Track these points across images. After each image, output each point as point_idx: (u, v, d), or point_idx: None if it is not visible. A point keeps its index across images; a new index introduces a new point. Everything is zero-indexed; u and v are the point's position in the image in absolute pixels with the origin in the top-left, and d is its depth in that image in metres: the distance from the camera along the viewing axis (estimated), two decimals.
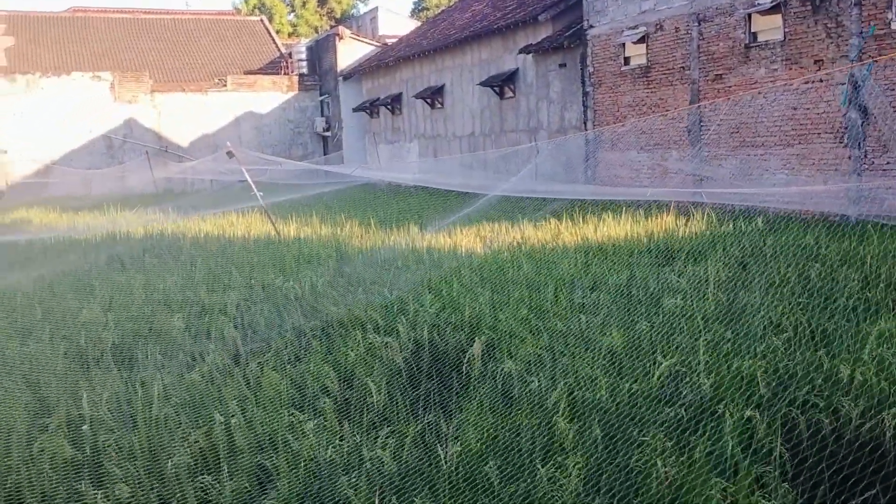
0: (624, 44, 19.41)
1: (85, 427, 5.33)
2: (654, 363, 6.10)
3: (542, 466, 4.53)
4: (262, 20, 45.14)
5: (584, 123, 21.28)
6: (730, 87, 16.37)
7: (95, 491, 4.47)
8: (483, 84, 25.86)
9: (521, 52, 23.61)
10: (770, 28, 15.41)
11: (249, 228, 16.41)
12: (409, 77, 32.26)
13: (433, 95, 29.79)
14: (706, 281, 8.86)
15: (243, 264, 11.60)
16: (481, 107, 27.02)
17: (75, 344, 7.56)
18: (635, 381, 5.81)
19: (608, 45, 20.03)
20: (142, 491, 4.45)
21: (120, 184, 31.20)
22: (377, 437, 5.18)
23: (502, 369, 6.26)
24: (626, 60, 19.55)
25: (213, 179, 32.30)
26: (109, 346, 7.46)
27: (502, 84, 25.15)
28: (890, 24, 12.91)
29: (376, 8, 50.49)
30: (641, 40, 18.79)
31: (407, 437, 4.99)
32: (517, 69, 24.51)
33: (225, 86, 36.52)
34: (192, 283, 10.27)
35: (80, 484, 4.56)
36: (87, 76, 34.29)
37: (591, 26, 20.53)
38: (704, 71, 17.05)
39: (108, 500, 4.34)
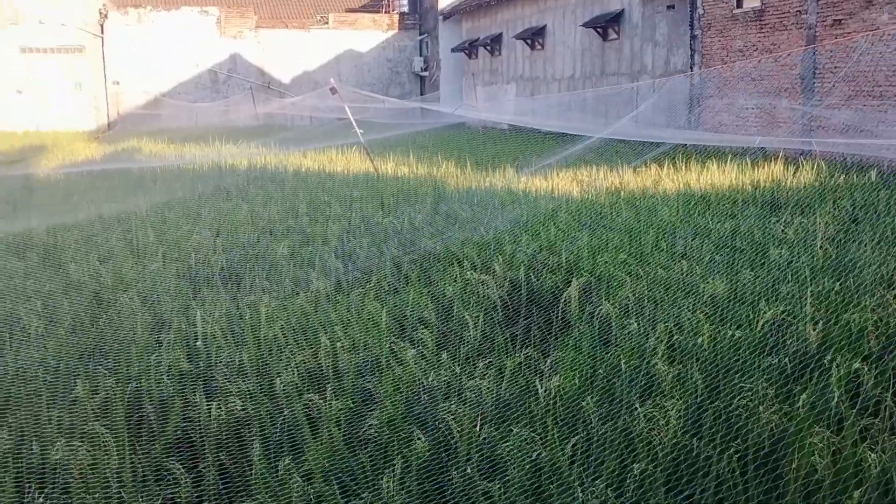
0: None
1: (199, 343, 5.61)
2: (758, 312, 5.97)
3: (641, 407, 4.54)
4: None
5: (691, 68, 20.56)
6: (849, 33, 15.48)
7: (209, 403, 4.72)
8: (586, 25, 25.24)
9: None
10: None
11: (349, 165, 16.66)
12: (509, 17, 31.74)
13: (534, 36, 29.27)
14: (814, 233, 8.55)
15: (344, 198, 11.83)
16: (583, 49, 26.42)
17: (186, 265, 7.90)
18: (738, 328, 5.71)
19: None
20: (253, 405, 4.68)
21: (224, 117, 32.07)
22: (475, 369, 5.28)
23: (600, 311, 6.24)
24: (739, 2, 18.70)
25: (312, 116, 32.86)
26: (218, 269, 7.78)
27: (606, 25, 24.49)
28: None
29: None
30: None
31: (504, 369, 5.07)
32: (622, 10, 23.79)
33: (327, 23, 36.78)
34: (295, 214, 10.55)
35: (195, 395, 4.82)
36: (195, 10, 35.10)
37: None
38: (822, 15, 16.15)
39: (222, 412, 4.58)
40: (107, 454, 4.07)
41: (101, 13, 33.89)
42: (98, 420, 4.46)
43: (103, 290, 6.99)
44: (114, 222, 9.83)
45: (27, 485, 3.86)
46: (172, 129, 27.93)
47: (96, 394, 4.80)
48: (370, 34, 37.73)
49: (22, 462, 4.00)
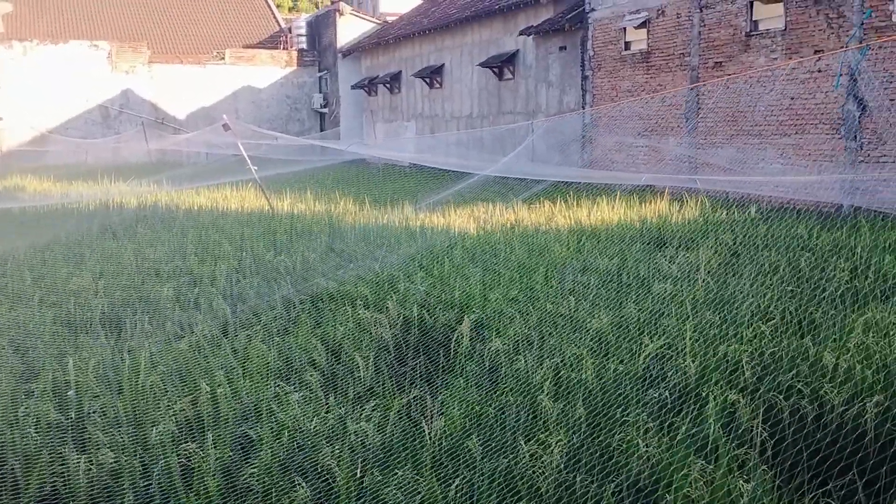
0: (625, 28, 19.34)
1: (71, 392, 5.34)
2: (641, 345, 6.13)
3: (525, 443, 4.56)
4: None
5: (583, 107, 21.22)
6: (729, 74, 16.33)
7: (79, 456, 4.48)
8: (483, 65, 25.75)
9: (521, 33, 23.51)
10: (771, 17, 15.36)
11: (243, 202, 16.38)
12: (408, 56, 32.11)
13: (432, 75, 29.66)
14: (697, 267, 8.89)
15: (235, 237, 11.59)
16: (480, 88, 26.93)
17: (64, 310, 7.55)
18: (621, 362, 5.84)
19: (609, 29, 19.95)
20: (126, 457, 4.47)
21: (115, 154, 31.05)
22: (362, 411, 5.20)
23: (490, 348, 6.28)
24: (627, 45, 19.48)
25: (208, 153, 32.16)
26: (98, 313, 7.46)
27: (502, 65, 25.05)
28: (891, 15, 12.87)
29: None
30: (643, 25, 18.72)
31: (391, 410, 5.02)
32: (517, 51, 24.41)
33: (223, 59, 36.31)
34: (184, 254, 10.26)
35: (64, 448, 4.57)
36: (84, 45, 34.06)
37: (593, 9, 20.44)
38: (704, 58, 17.00)
39: (92, 465, 4.35)
40: None
41: None
42: None
43: None
44: None
45: None
46: (60, 166, 26.86)
47: None
48: (268, 70, 37.42)
49: None
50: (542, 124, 21.31)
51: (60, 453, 4.54)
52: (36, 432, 4.78)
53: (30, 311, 7.42)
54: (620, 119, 19.65)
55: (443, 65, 29.21)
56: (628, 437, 4.63)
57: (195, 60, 35.97)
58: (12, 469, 4.40)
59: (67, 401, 5.28)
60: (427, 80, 30.07)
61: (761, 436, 4.62)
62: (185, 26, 39.59)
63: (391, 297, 8.01)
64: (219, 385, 5.42)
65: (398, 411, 5.01)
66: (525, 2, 23.41)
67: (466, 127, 27.75)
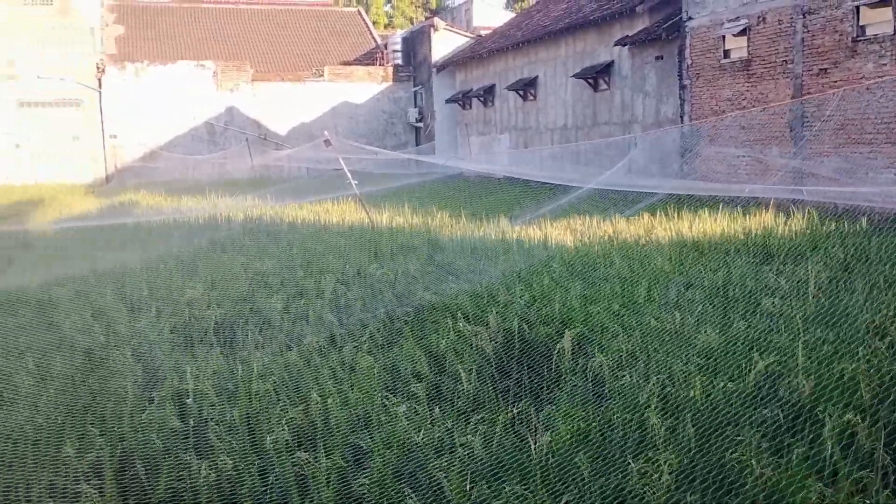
0: (724, 36, 18.91)
1: (189, 400, 5.59)
2: (751, 363, 5.98)
3: (634, 461, 4.52)
4: (359, 11, 45.84)
5: (681, 117, 20.84)
6: (835, 82, 15.75)
7: (200, 461, 4.69)
8: (577, 76, 25.61)
9: (616, 44, 23.28)
10: (879, 21, 14.74)
11: (344, 216, 16.75)
12: (502, 69, 32.22)
13: (526, 87, 29.68)
14: (806, 282, 8.60)
15: (338, 250, 11.88)
16: (574, 99, 26.78)
17: (181, 321, 7.90)
18: (730, 380, 5.71)
19: (707, 38, 19.54)
20: (243, 463, 4.65)
21: (220, 169, 32.27)
22: (467, 424, 5.25)
23: (593, 363, 6.24)
24: (726, 53, 19.04)
25: (308, 167, 33.10)
26: (212, 324, 7.77)
27: (596, 76, 24.85)
28: None
29: None
30: (742, 33, 18.26)
31: (497, 424, 5.05)
32: (612, 61, 24.17)
33: (322, 76, 37.26)
34: (290, 267, 10.58)
35: (186, 454, 4.79)
36: (191, 64, 35.56)
37: (690, 18, 20.06)
38: (808, 65, 16.45)
39: (212, 471, 4.55)
40: None
41: (98, 68, 34.29)
42: (88, 481, 4.42)
43: (96, 346, 6.98)
44: (108, 277, 9.84)
45: None
46: (169, 181, 28.09)
47: (87, 453, 4.76)
48: (365, 86, 38.21)
49: None
50: (649, 136, 20.99)
51: (182, 459, 4.75)
52: (159, 438, 5.02)
53: (149, 321, 7.80)
54: (722, 129, 19.20)
55: (536, 77, 29.18)
56: (741, 458, 4.53)
57: (295, 78, 37.04)
58: (139, 475, 4.63)
59: (187, 408, 5.53)
60: (521, 92, 30.11)
61: (883, 459, 4.45)
62: (286, 45, 40.85)
63: (491, 309, 8.06)
64: (329, 395, 5.57)
65: (503, 425, 5.04)
66: (620, 12, 23.18)
67: (561, 138, 27.63)
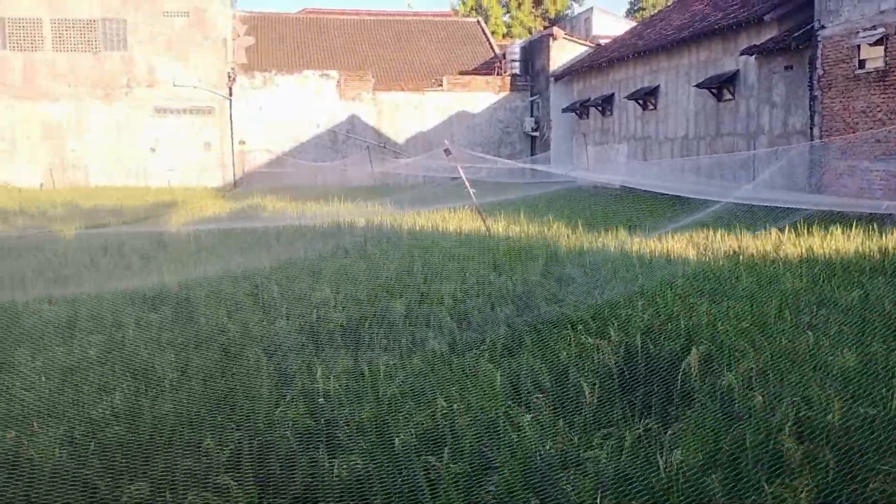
0: (859, 46, 18.05)
1: (320, 399, 5.78)
2: (893, 389, 5.69)
3: (768, 485, 4.38)
4: (478, 21, 46.23)
5: (811, 129, 20.01)
6: None
7: (331, 459, 4.84)
8: (700, 86, 25.00)
9: (742, 53, 22.60)
10: None
11: (461, 224, 16.91)
12: (621, 78, 31.80)
13: (646, 97, 29.19)
14: None
15: (457, 258, 12.01)
16: (696, 109, 26.13)
17: (308, 322, 8.17)
18: (871, 405, 5.45)
19: (841, 47, 18.69)
20: (373, 464, 4.78)
21: (342, 176, 33.18)
22: (592, 438, 5.22)
23: (722, 382, 6.08)
24: (861, 63, 18.15)
25: (425, 175, 33.63)
26: (338, 325, 8.01)
27: (721, 86, 24.19)
28: None
29: (591, 8, 50.14)
30: (879, 42, 17.37)
31: (625, 440, 5.00)
32: (737, 71, 23.48)
33: (441, 86, 37.79)
34: (411, 273, 10.77)
35: (318, 451, 4.96)
36: (316, 74, 36.77)
37: (823, 27, 19.25)
38: None
39: (343, 469, 4.69)
40: None
41: (229, 76, 35.95)
42: (227, 472, 4.64)
43: (231, 343, 7.32)
44: (240, 278, 10.29)
45: None
46: (293, 187, 29.12)
47: (226, 446, 5.00)
48: (482, 95, 38.50)
49: None
50: (780, 154, 20.24)
51: (314, 457, 4.92)
52: (292, 435, 5.21)
53: (280, 322, 8.11)
54: (855, 142, 18.31)
55: (657, 86, 28.66)
56: (884, 488, 4.32)
57: (415, 87, 37.71)
58: (274, 470, 4.81)
59: (318, 406, 5.73)
60: (640, 101, 29.65)
61: None
62: (407, 55, 41.64)
63: (612, 322, 7.97)
64: (454, 401, 5.65)
65: (631, 442, 4.98)
66: (747, 21, 22.49)
67: (681, 149, 27.01)
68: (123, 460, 4.85)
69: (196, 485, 4.47)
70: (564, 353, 7.13)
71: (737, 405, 5.69)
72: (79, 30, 35.14)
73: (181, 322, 8.06)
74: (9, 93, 34.94)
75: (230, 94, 36.12)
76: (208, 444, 4.97)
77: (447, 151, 15.68)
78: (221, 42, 36.13)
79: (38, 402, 5.77)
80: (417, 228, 15.95)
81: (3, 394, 5.91)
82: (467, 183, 15.48)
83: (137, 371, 6.47)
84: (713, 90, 24.59)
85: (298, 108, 36.35)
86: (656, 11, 42.00)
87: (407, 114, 37.58)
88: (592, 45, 37.53)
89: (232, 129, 36.14)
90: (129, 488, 4.39)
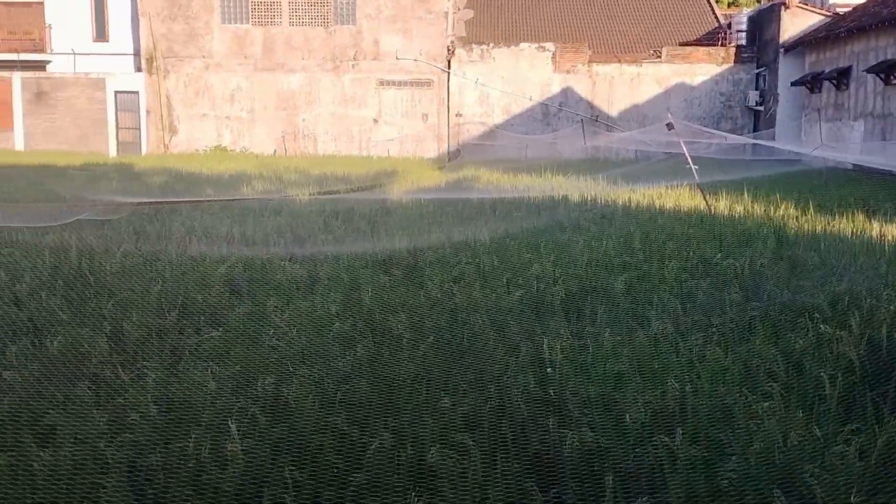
0: None
1: (549, 370, 5.88)
2: None
3: None
4: None
5: None
6: None
7: (562, 430, 4.92)
8: None
9: None
10: None
11: (678, 201, 16.39)
12: (860, 49, 29.23)
13: (889, 70, 26.64)
14: None
15: (677, 236, 11.68)
16: None
17: (528, 294, 8.29)
18: None
19: None
20: (604, 437, 4.81)
21: (551, 149, 33.14)
22: (836, 433, 4.93)
23: None
24: None
25: (637, 150, 32.87)
26: (558, 299, 8.07)
27: None
28: None
29: None
30: None
31: (877, 438, 4.69)
32: None
33: (659, 57, 36.63)
34: (630, 250, 10.62)
35: (547, 420, 5.06)
36: (532, 47, 36.85)
37: None
38: None
39: (575, 440, 4.75)
40: (473, 465, 4.42)
41: (448, 49, 36.86)
42: (461, 432, 4.85)
43: (458, 308, 7.59)
44: (462, 246, 10.62)
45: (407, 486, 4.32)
46: (504, 159, 29.48)
47: (459, 407, 5.22)
48: (703, 67, 36.84)
49: (402, 464, 4.49)
50: None
51: (544, 425, 5.02)
52: (523, 403, 5.34)
53: (501, 291, 8.30)
54: None
55: None
56: None
57: (632, 59, 36.81)
58: (505, 434, 4.97)
59: (545, 377, 5.83)
60: (882, 75, 27.11)
61: None
62: (623, 26, 40.65)
63: (853, 313, 7.44)
64: (685, 382, 5.55)
65: (887, 441, 4.65)
66: None
67: None
68: (366, 411, 5.21)
69: (435, 441, 4.71)
70: (800, 342, 6.76)
71: None
72: (312, 4, 37.38)
73: (411, 286, 8.46)
74: (251, 65, 37.93)
75: (448, 67, 37.04)
76: (444, 403, 5.22)
77: (670, 126, 15.19)
78: (443, 16, 37.04)
79: (289, 350, 6.31)
80: (633, 205, 15.65)
81: (261, 341, 6.51)
82: (689, 159, 14.94)
83: (375, 328, 6.89)
84: None
85: (512, 80, 36.62)
86: None
87: (621, 86, 36.77)
88: (830, 14, 34.69)
89: (448, 101, 37.11)
90: (374, 439, 4.69)
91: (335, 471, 4.42)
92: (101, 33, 40.10)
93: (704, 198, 15.20)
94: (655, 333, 6.96)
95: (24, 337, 6.58)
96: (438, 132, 37.44)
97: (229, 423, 4.73)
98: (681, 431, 4.85)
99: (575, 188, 18.52)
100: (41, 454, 4.44)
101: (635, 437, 4.86)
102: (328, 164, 29.87)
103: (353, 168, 27.35)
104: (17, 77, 38.66)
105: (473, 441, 4.68)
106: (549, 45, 36.61)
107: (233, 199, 15.33)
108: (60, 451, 4.50)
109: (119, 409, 5.11)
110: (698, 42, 38.87)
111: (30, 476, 4.24)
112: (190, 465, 4.43)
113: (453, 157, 30.29)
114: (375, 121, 37.79)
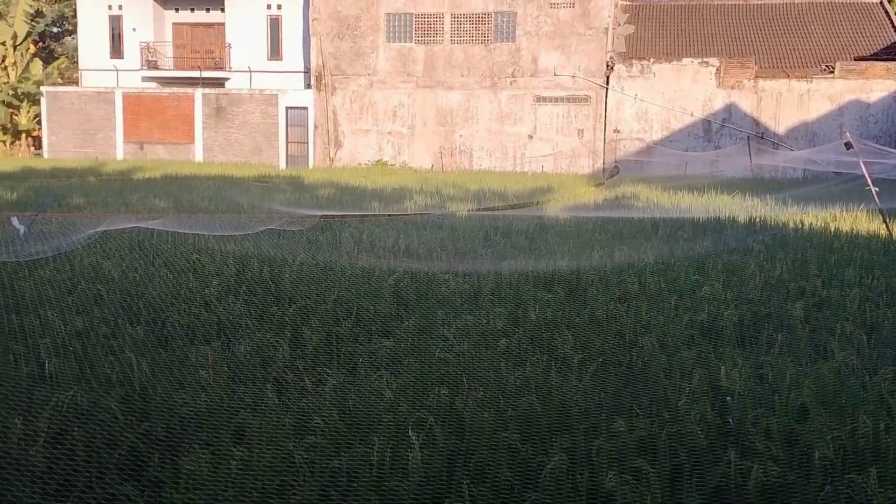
0: None
1: (728, 398, 5.68)
2: None
3: None
4: (881, 2, 41.47)
5: None
6: None
7: (743, 462, 4.74)
8: None
9: None
10: None
11: (855, 225, 15.43)
12: None
13: None
14: None
15: (857, 262, 11.01)
16: None
17: (698, 317, 8.05)
18: None
19: None
20: (791, 472, 4.59)
21: (711, 167, 32.02)
22: None
23: None
24: None
25: (805, 169, 31.24)
26: (730, 324, 7.78)
27: None
28: None
29: None
30: None
31: None
32: None
33: (832, 73, 34.68)
34: (806, 275, 10.12)
35: (726, 452, 4.87)
36: (695, 62, 35.85)
37: None
38: None
39: (761, 475, 4.56)
40: (654, 493, 4.34)
41: (607, 65, 36.45)
42: (639, 458, 4.77)
43: (625, 330, 7.48)
44: (625, 266, 10.45)
45: None
46: (662, 177, 28.76)
47: (633, 431, 5.13)
48: (880, 83, 34.55)
49: (578, 486, 4.46)
50: None
51: (723, 456, 4.84)
52: (699, 431, 5.18)
53: (669, 314, 8.10)
54: None
55: None
56: None
57: (802, 75, 35.08)
58: (682, 463, 4.83)
59: (723, 406, 5.63)
60: None
61: None
62: (793, 40, 38.82)
63: None
64: (880, 419, 5.21)
65: None
66: None
67: None
68: (538, 430, 5.22)
69: (611, 464, 4.65)
70: None
71: None
72: (474, 23, 38.03)
73: (575, 304, 8.42)
74: (413, 83, 39.02)
75: (606, 83, 36.63)
76: (618, 426, 5.15)
77: (848, 144, 14.34)
78: (603, 31, 36.72)
79: (458, 363, 6.42)
80: (805, 227, 14.88)
81: (427, 354, 6.65)
82: (870, 180, 14.04)
83: (542, 346, 6.90)
84: None
85: (672, 96, 35.76)
86: None
87: (789, 102, 35.07)
88: None
89: (606, 117, 36.69)
90: (549, 459, 4.70)
91: (512, 489, 4.46)
92: (275, 52, 42.52)
93: (885, 222, 14.23)
94: (839, 365, 6.59)
95: (214, 340, 7.05)
96: (593, 148, 37.06)
97: (409, 432, 4.87)
98: (875, 471, 4.57)
99: (741, 208, 17.82)
100: (235, 451, 4.74)
101: (824, 474, 4.62)
102: (484, 179, 30.20)
103: (509, 183, 27.51)
104: (198, 93, 41.55)
105: (653, 468, 4.59)
106: (714, 61, 35.48)
107: (404, 215, 15.83)
108: (253, 449, 4.78)
109: (303, 413, 5.38)
110: (875, 56, 36.51)
111: (229, 473, 4.52)
112: (371, 471, 4.60)
113: (612, 174, 29.81)
114: (530, 137, 37.88)
